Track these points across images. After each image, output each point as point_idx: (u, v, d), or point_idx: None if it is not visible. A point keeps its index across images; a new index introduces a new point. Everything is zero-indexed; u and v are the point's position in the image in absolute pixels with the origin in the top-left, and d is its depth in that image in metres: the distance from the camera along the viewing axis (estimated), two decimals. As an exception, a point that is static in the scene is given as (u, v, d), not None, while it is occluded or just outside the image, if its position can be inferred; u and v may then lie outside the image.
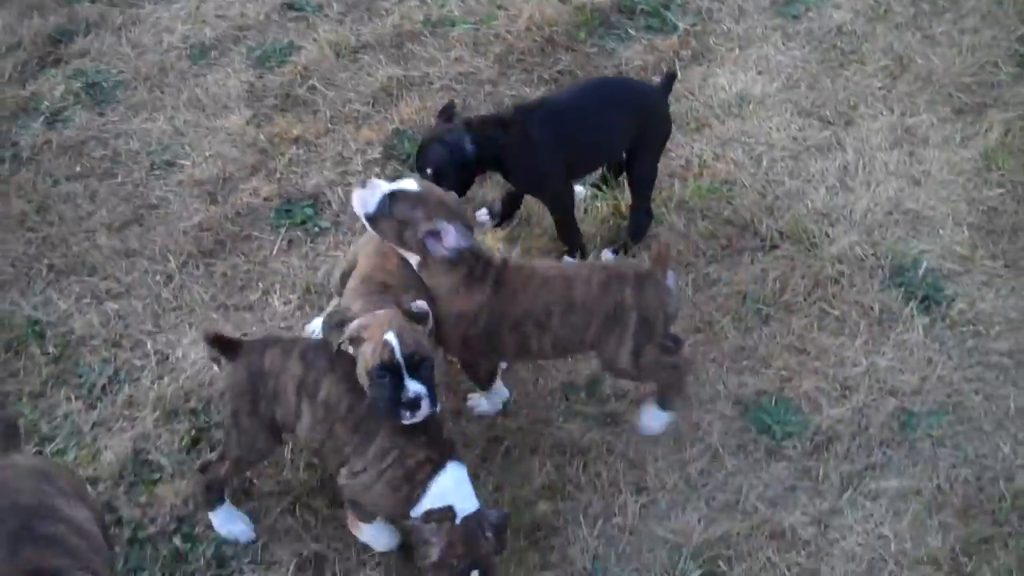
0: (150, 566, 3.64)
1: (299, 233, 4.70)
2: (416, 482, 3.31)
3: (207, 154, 4.96)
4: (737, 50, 5.70)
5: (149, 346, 4.26)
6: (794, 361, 4.36)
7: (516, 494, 3.88)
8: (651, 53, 5.66)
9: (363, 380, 3.33)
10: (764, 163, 5.10)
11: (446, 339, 3.70)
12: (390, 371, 3.27)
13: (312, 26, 5.63)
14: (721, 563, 3.76)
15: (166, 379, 4.15)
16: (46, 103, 5.17)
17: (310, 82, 5.32)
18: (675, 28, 5.80)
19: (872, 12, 5.90)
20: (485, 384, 3.97)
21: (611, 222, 4.83)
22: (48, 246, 4.59)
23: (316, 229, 4.72)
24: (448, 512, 3.29)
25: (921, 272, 4.67)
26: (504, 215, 4.77)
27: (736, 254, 4.73)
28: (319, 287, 4.48)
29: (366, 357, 3.28)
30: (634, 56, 5.63)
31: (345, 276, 3.82)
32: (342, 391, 3.37)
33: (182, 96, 5.25)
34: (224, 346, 3.43)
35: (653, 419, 4.05)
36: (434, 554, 3.27)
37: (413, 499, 3.33)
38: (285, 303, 4.41)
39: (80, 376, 4.16)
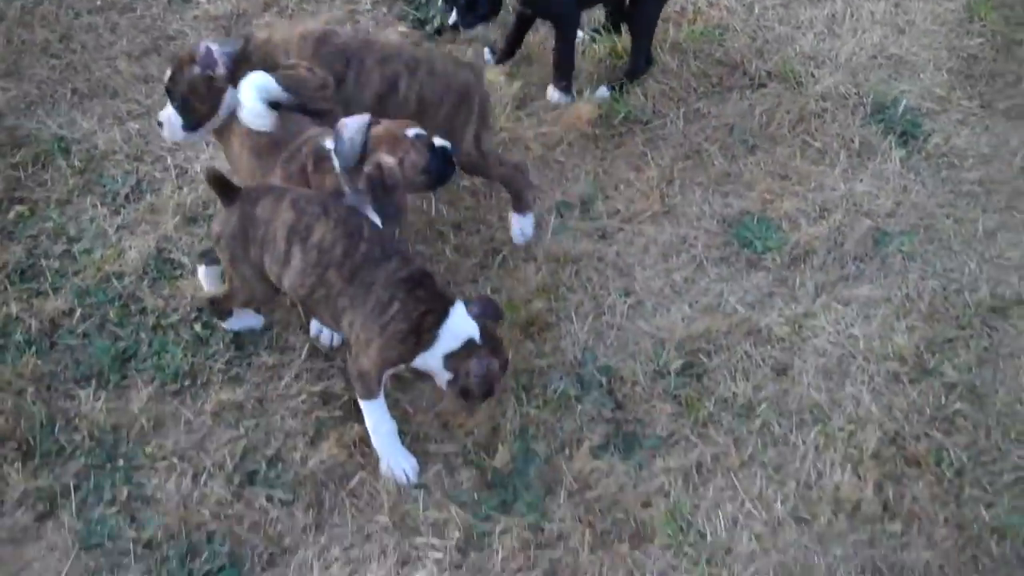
0: (172, 348, 3.93)
1: (309, 68, 4.91)
2: (423, 330, 3.48)
3: (216, -15, 5.18)
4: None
5: (169, 161, 4.52)
6: (776, 185, 4.62)
7: (512, 294, 4.16)
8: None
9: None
10: (756, 10, 5.34)
11: None
12: None
13: None
14: (701, 356, 4.05)
15: (185, 189, 4.42)
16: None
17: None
18: None
19: None
20: None
21: (607, 63, 5.06)
22: (71, 71, 4.83)
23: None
24: (471, 343, 3.49)
25: (900, 110, 4.91)
26: (506, 53, 5.00)
27: (725, 91, 4.98)
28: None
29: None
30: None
31: None
32: (336, 236, 3.45)
33: (196, -60, 5.44)
34: (222, 189, 3.56)
35: (519, 225, 4.33)
36: (479, 379, 3.49)
37: (422, 345, 3.50)
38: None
39: (104, 186, 4.43)
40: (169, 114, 3.76)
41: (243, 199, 3.53)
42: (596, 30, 5.06)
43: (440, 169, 3.54)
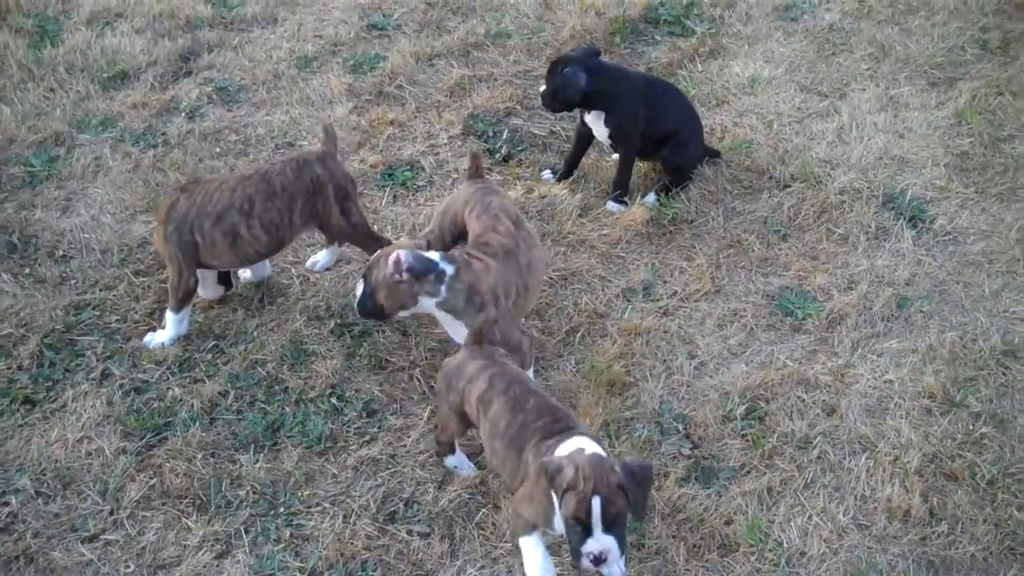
0: (314, 418, 4.67)
1: (401, 190, 5.82)
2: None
3: (320, 136, 6.10)
4: (746, 46, 6.89)
5: (293, 271, 5.34)
6: (808, 264, 5.42)
7: (594, 361, 4.92)
8: (674, 52, 6.85)
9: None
10: (775, 127, 6.24)
11: None
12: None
13: (394, 40, 6.84)
14: (761, 402, 4.78)
15: (308, 293, 5.23)
16: (185, 103, 6.34)
17: (397, 81, 6.50)
18: (693, 32, 7.00)
19: (857, 12, 7.12)
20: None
21: (652, 176, 5.94)
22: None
23: (414, 187, 5.84)
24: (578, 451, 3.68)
25: (908, 199, 5.75)
26: (565, 174, 5.90)
27: (756, 192, 5.83)
28: (421, 227, 5.56)
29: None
30: (661, 55, 6.82)
31: (448, 219, 4.90)
32: (504, 411, 3.99)
33: (294, 95, 6.42)
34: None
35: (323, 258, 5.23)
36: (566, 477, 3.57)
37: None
38: (396, 237, 5.49)
39: (240, 295, 5.23)
40: (359, 289, 4.55)
41: (469, 352, 4.24)
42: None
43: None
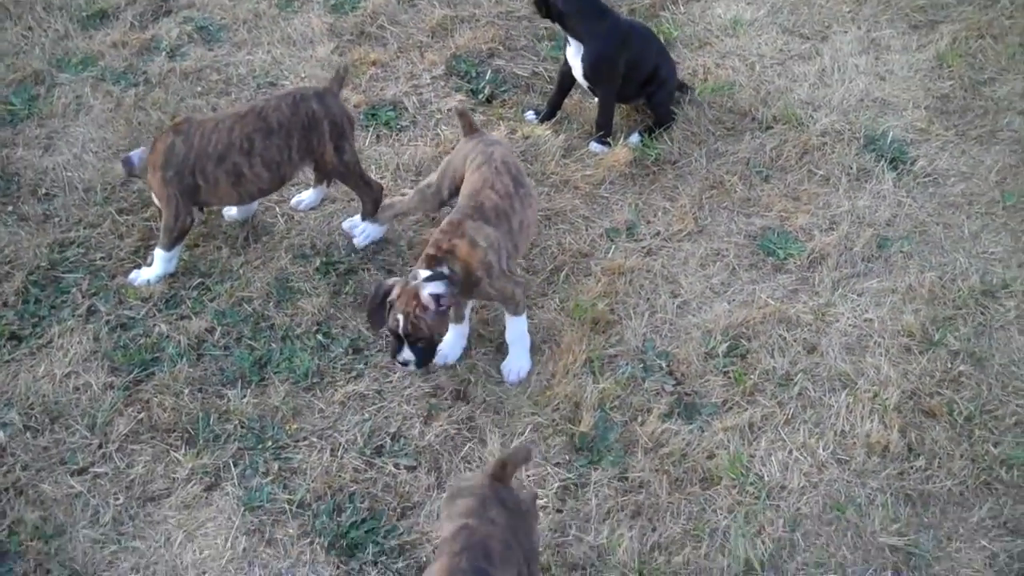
0: (301, 354, 4.70)
1: (384, 130, 5.81)
2: None
3: (302, 76, 6.10)
4: (728, -12, 6.88)
5: (277, 210, 5.34)
6: (790, 205, 5.47)
7: (578, 300, 4.96)
8: (657, -7, 6.82)
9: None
10: (757, 69, 6.25)
11: None
12: (395, 336, 4.32)
13: (375, -20, 6.78)
14: (743, 340, 4.84)
15: (294, 231, 5.24)
16: (165, 42, 6.30)
17: (379, 21, 6.46)
18: (676, -27, 6.97)
19: (839, -46, 7.10)
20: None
21: (635, 116, 5.96)
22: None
23: (398, 127, 5.84)
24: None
25: (889, 140, 5.79)
26: (547, 116, 5.91)
27: (739, 134, 5.86)
28: (405, 167, 5.57)
29: (390, 318, 4.30)
30: (644, -5, 6.79)
31: (447, 178, 4.88)
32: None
33: (275, 35, 6.38)
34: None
35: (367, 232, 5.18)
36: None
37: None
38: (380, 178, 5.49)
39: (225, 233, 5.23)
40: (406, 354, 4.48)
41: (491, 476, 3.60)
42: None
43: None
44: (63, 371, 4.57)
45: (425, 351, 4.40)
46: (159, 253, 4.82)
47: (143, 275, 4.86)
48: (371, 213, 5.07)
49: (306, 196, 5.22)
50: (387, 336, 4.46)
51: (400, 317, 4.26)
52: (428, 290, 4.24)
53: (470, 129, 4.92)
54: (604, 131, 5.64)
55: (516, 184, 4.61)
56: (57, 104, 5.82)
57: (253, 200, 4.91)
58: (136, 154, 4.76)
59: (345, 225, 5.16)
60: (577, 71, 5.54)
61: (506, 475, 3.59)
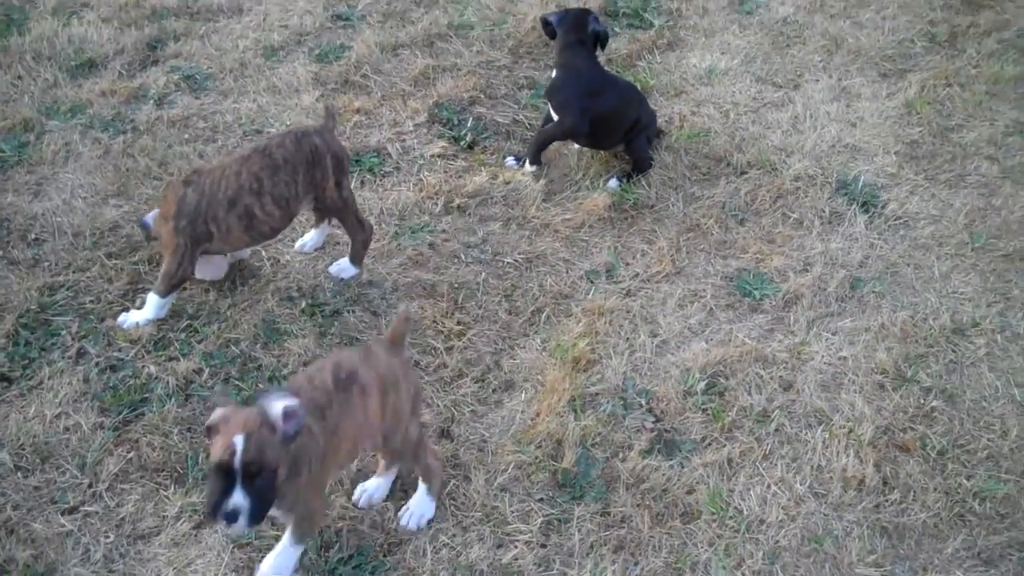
0: (287, 395, 4.78)
1: (368, 176, 5.94)
2: None
3: (287, 123, 6.23)
4: (703, 38, 7.09)
5: (263, 253, 5.45)
6: (765, 248, 5.61)
7: (560, 340, 5.07)
8: (633, 43, 7.03)
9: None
10: (731, 116, 6.43)
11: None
12: (225, 473, 3.28)
13: (358, 31, 6.97)
14: (720, 378, 4.95)
15: (279, 274, 5.34)
16: (153, 91, 6.43)
17: (363, 71, 6.62)
18: (651, 24, 7.19)
19: (810, 5, 7.35)
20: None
21: (613, 162, 6.11)
22: (172, 189, 5.78)
23: (381, 172, 5.97)
24: None
25: (860, 185, 5.96)
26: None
27: (714, 179, 6.02)
28: (388, 211, 5.69)
29: (214, 450, 3.33)
30: (620, 47, 6.99)
31: None
32: None
33: (260, 84, 6.52)
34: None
35: (343, 269, 5.29)
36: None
37: None
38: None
39: (212, 275, 5.33)
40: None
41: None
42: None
43: None
44: (53, 412, 4.62)
45: (263, 497, 3.36)
46: (153, 298, 4.91)
47: (132, 318, 4.94)
48: (358, 255, 5.14)
49: (309, 238, 5.32)
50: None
51: (237, 440, 3.30)
52: (278, 407, 3.36)
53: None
54: (530, 153, 5.89)
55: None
56: (47, 151, 5.92)
57: (265, 240, 5.03)
58: (150, 217, 4.88)
59: (332, 270, 5.20)
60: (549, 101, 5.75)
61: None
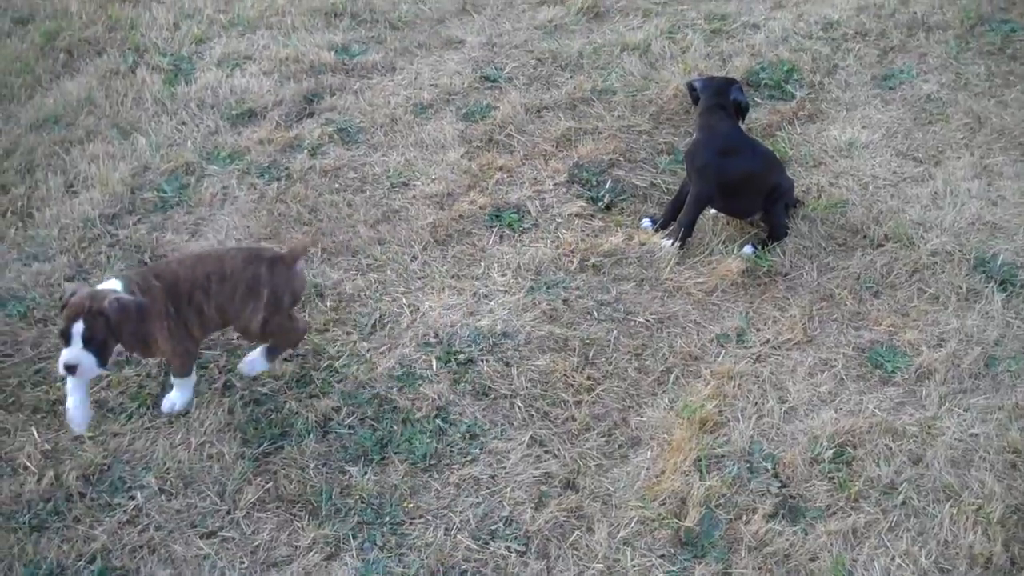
0: (420, 437, 4.95)
1: (507, 231, 6.12)
2: None
3: (433, 177, 6.47)
4: (844, 112, 7.13)
5: (404, 300, 5.66)
6: (899, 321, 5.61)
7: (688, 401, 5.15)
8: (774, 114, 7.11)
9: None
10: (870, 189, 6.45)
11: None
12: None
13: (505, 92, 7.20)
14: (848, 447, 4.96)
15: (418, 321, 5.54)
16: (307, 141, 6.75)
17: (507, 130, 6.84)
18: (793, 96, 7.26)
19: (954, 83, 7.33)
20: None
21: (749, 229, 6.19)
22: (320, 235, 6.06)
23: (520, 228, 6.14)
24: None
25: (999, 263, 5.92)
26: (664, 224, 6.17)
27: (850, 250, 6.04)
28: (526, 267, 5.86)
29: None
30: (761, 117, 7.08)
31: None
32: None
33: (409, 139, 6.79)
34: None
35: (255, 364, 5.06)
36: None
37: None
38: (502, 275, 5.79)
39: (354, 320, 5.55)
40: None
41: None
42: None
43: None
44: (199, 440, 4.87)
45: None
46: (178, 381, 4.97)
47: (171, 399, 5.04)
48: (274, 354, 5.11)
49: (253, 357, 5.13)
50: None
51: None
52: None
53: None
54: (683, 230, 5.93)
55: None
56: (205, 193, 6.26)
57: (208, 334, 5.02)
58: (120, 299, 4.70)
59: (242, 368, 5.13)
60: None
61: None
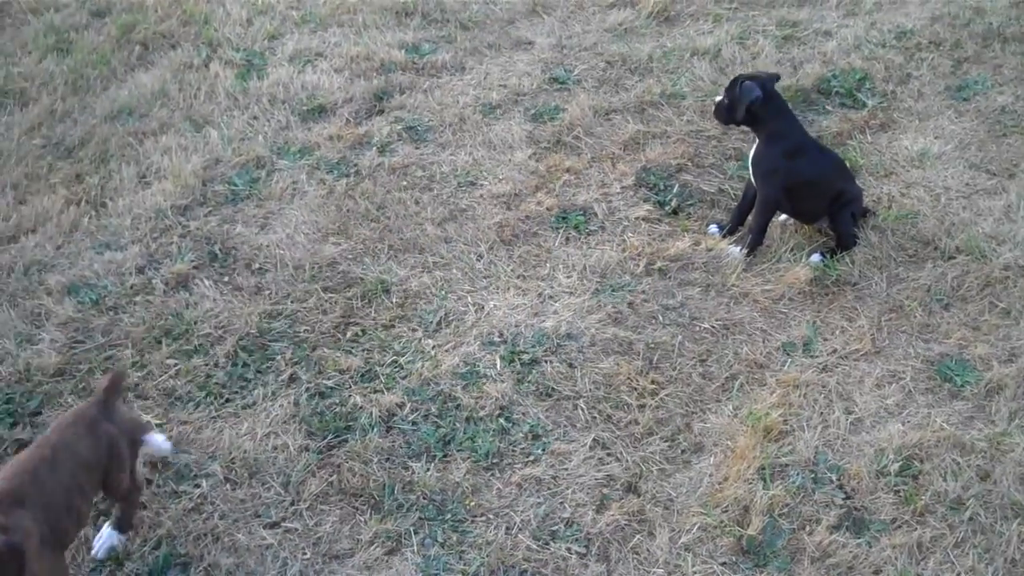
0: (483, 435, 4.96)
1: (573, 232, 6.12)
2: None
3: (500, 177, 6.49)
4: (917, 121, 7.05)
5: (469, 299, 5.67)
6: (970, 334, 5.53)
7: (752, 408, 5.11)
8: (845, 122, 7.04)
9: None
10: (942, 200, 6.37)
11: None
12: None
13: (573, 94, 7.20)
14: (915, 461, 4.90)
15: (482, 320, 5.55)
16: (376, 138, 6.79)
17: (575, 132, 6.83)
18: (864, 105, 7.19)
19: (1030, 95, 7.21)
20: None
21: (818, 237, 6.13)
22: (388, 232, 6.09)
23: (586, 230, 6.14)
24: None
25: (1074, 281, 5.82)
26: (731, 230, 6.14)
27: (920, 261, 5.97)
28: (592, 268, 5.85)
29: None
30: (832, 125, 7.01)
31: None
32: None
33: (477, 138, 6.81)
34: None
35: (106, 539, 4.41)
36: None
37: None
38: (567, 276, 5.79)
39: (420, 316, 5.58)
40: None
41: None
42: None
43: None
44: (264, 431, 4.91)
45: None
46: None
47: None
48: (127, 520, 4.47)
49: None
50: None
51: None
52: None
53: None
54: (753, 240, 5.89)
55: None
56: (275, 187, 6.32)
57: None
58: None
59: (96, 553, 4.46)
60: (750, 167, 5.85)
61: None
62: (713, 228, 6.09)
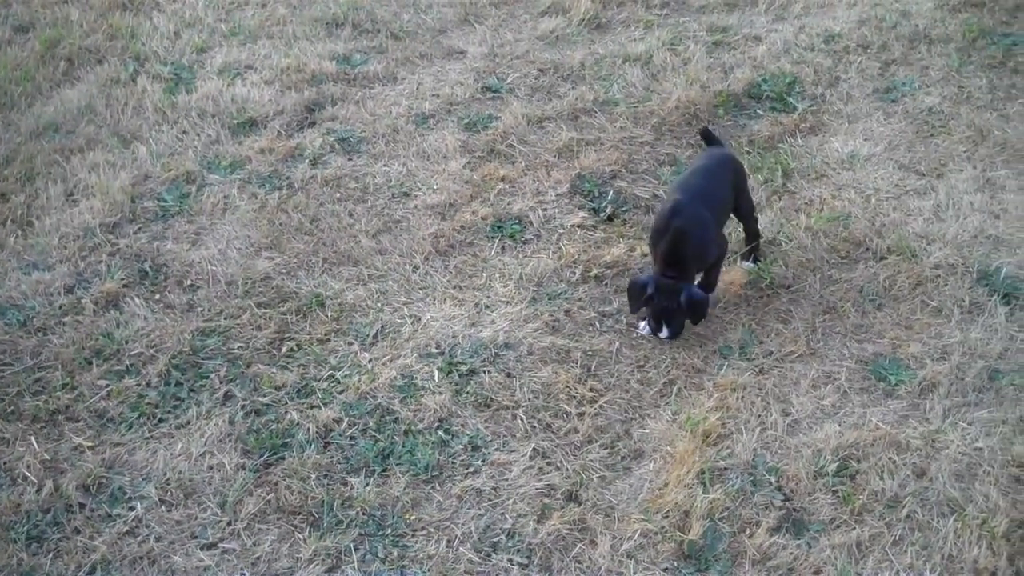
0: (422, 448, 4.93)
1: (509, 241, 6.10)
2: None
3: (434, 188, 6.46)
4: (846, 124, 7.12)
5: (405, 311, 5.64)
6: (903, 334, 5.59)
7: (691, 413, 5.12)
8: (776, 127, 7.10)
9: None
10: (872, 201, 6.44)
11: None
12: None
13: (507, 103, 7.20)
14: (852, 461, 4.93)
15: (419, 331, 5.52)
16: (308, 151, 6.74)
17: (508, 141, 6.83)
18: (795, 108, 7.26)
19: (956, 96, 7.31)
20: None
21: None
22: (321, 245, 6.04)
23: (522, 239, 6.13)
24: None
25: (1002, 276, 5.90)
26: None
27: (852, 262, 6.02)
28: (528, 277, 5.84)
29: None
30: (763, 128, 7.07)
31: None
32: None
33: (411, 149, 6.78)
34: None
35: None
36: None
37: None
38: (504, 286, 5.77)
39: (355, 330, 5.53)
40: None
41: None
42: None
43: None
44: (199, 450, 4.85)
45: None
46: None
47: None
48: None
49: None
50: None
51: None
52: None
53: None
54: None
55: None
56: (206, 203, 6.24)
57: None
58: None
59: None
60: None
61: None
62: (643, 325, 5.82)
